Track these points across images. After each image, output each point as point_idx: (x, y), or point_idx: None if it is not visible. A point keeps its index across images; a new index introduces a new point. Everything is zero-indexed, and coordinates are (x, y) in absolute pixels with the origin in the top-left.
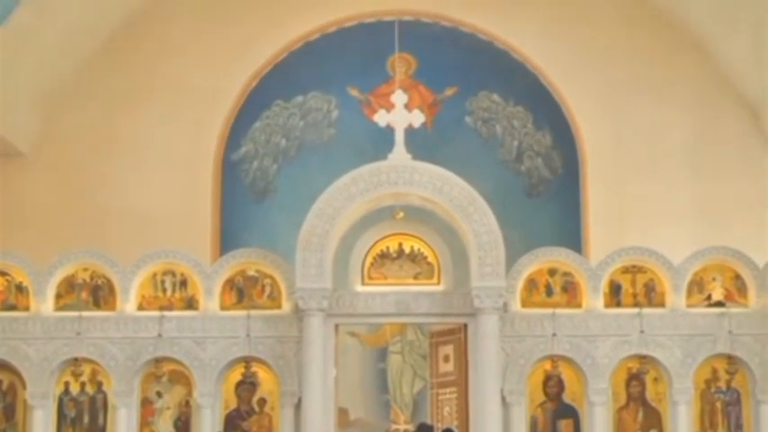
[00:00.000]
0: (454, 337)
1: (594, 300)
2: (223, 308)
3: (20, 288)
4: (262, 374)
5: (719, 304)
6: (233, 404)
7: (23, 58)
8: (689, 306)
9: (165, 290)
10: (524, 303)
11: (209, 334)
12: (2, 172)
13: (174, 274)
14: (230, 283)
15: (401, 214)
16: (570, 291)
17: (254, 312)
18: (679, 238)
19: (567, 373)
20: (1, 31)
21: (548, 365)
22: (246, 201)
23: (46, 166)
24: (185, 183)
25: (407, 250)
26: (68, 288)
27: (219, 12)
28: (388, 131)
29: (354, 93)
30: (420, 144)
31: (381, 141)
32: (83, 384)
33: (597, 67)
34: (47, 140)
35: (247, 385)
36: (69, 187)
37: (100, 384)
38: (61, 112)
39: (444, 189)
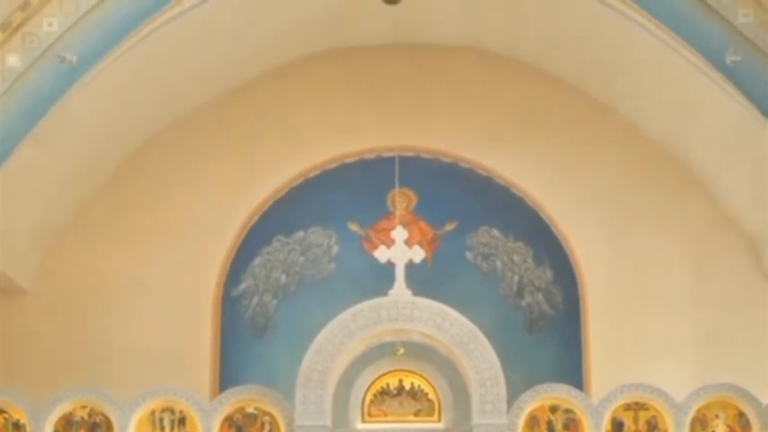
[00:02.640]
0: None
1: None
2: None
3: (17, 426)
4: None
5: None
6: None
7: (25, 194)
8: None
9: (163, 427)
10: None
11: None
12: (2, 308)
13: (172, 412)
14: (229, 421)
15: (401, 350)
16: (572, 428)
17: None
18: (681, 372)
19: None
20: (3, 168)
21: None
22: (246, 336)
23: (46, 303)
24: (185, 319)
25: (408, 387)
26: (66, 425)
27: (219, 149)
28: (389, 267)
29: (355, 228)
30: (420, 279)
31: (382, 276)
32: None
33: (597, 201)
34: (48, 277)
35: None
36: (69, 324)
37: None
38: (62, 248)
39: (444, 325)
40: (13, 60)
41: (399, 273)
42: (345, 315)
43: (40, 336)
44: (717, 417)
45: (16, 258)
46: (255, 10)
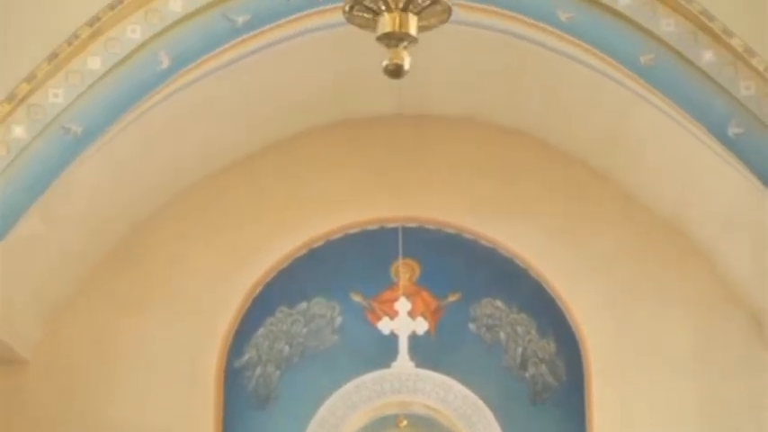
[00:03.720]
0: None
1: None
2: None
3: None
4: None
5: None
6: None
7: (28, 264)
8: None
9: None
10: None
11: None
12: (3, 378)
13: None
14: None
15: (404, 423)
16: None
17: None
18: None
19: None
20: (7, 239)
21: None
22: (249, 408)
23: (47, 374)
24: (188, 390)
25: None
26: None
27: (222, 220)
28: (392, 338)
29: (358, 299)
30: (424, 351)
31: (385, 348)
32: None
33: (600, 273)
34: (49, 347)
35: None
36: (70, 395)
37: None
38: (65, 319)
39: (448, 398)
40: (19, 131)
41: (402, 345)
42: (348, 387)
43: (40, 407)
44: None
45: (18, 328)
46: (260, 84)
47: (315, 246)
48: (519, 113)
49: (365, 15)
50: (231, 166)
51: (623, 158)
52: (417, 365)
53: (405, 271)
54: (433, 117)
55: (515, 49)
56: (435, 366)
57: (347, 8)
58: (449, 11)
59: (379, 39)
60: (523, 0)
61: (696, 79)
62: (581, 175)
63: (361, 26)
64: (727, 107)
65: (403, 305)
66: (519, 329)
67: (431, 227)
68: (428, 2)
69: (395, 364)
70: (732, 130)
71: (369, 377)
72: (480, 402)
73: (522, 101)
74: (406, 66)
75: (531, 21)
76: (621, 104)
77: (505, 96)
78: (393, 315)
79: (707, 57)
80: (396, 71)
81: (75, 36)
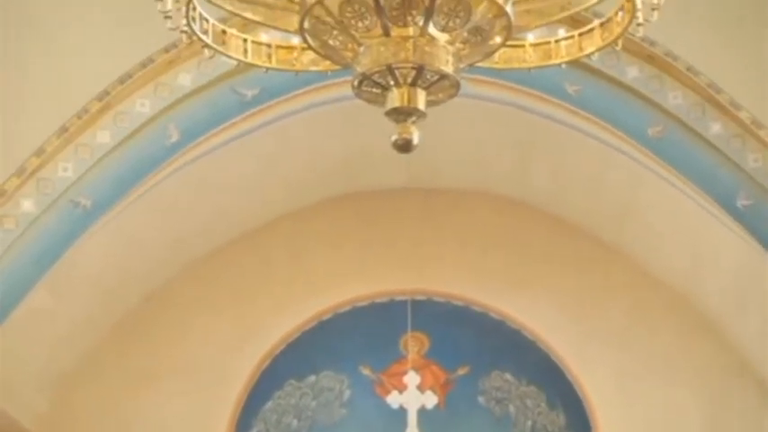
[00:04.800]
0: None
1: None
2: None
3: None
4: None
5: None
6: None
7: (35, 337)
8: None
9: None
10: None
11: None
12: None
13: None
14: None
15: None
16: None
17: None
18: None
19: None
20: (14, 313)
21: None
22: None
23: None
24: None
25: None
26: None
27: (231, 292)
28: (401, 412)
29: (367, 372)
30: (433, 424)
31: (394, 422)
32: None
33: (609, 345)
34: (55, 420)
35: None
36: None
37: None
38: (71, 393)
39: None
40: (28, 205)
41: (411, 419)
42: None
43: None
44: None
45: (23, 401)
46: (269, 157)
47: (323, 318)
48: (528, 187)
49: (374, 90)
50: (240, 238)
51: (632, 231)
52: None
53: (414, 344)
54: (442, 190)
55: (524, 123)
56: None
57: (356, 83)
58: (457, 86)
59: (388, 114)
60: (531, 73)
61: (704, 151)
62: (590, 247)
63: (369, 101)
64: (735, 179)
65: (412, 379)
66: (528, 402)
67: (440, 300)
68: (437, 77)
69: None
70: (740, 202)
71: None
72: None
73: (531, 174)
74: (415, 140)
75: (540, 94)
76: (631, 177)
77: (515, 170)
78: (402, 388)
79: (715, 129)
80: (405, 146)
81: (85, 110)
